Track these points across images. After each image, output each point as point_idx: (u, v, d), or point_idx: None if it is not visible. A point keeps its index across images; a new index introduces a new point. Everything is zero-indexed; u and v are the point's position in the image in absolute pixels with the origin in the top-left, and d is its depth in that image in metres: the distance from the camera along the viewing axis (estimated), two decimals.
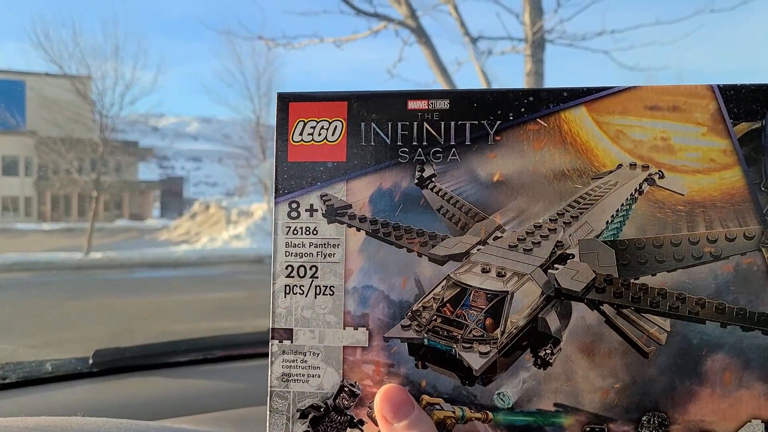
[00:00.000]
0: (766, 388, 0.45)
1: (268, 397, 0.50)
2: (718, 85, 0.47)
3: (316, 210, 0.50)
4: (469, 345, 0.47)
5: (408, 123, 0.49)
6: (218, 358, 1.20)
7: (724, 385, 0.45)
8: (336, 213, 0.50)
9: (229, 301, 5.20)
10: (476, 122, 0.49)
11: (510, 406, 0.47)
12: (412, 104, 0.50)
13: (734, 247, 0.46)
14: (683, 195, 0.47)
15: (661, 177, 0.47)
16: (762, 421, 0.45)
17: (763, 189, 0.46)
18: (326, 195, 0.50)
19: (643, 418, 0.46)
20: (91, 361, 1.10)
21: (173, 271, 8.32)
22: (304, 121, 0.50)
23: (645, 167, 0.47)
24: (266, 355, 0.50)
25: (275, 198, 0.51)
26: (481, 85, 4.44)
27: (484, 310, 0.47)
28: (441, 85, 4.63)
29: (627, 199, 0.47)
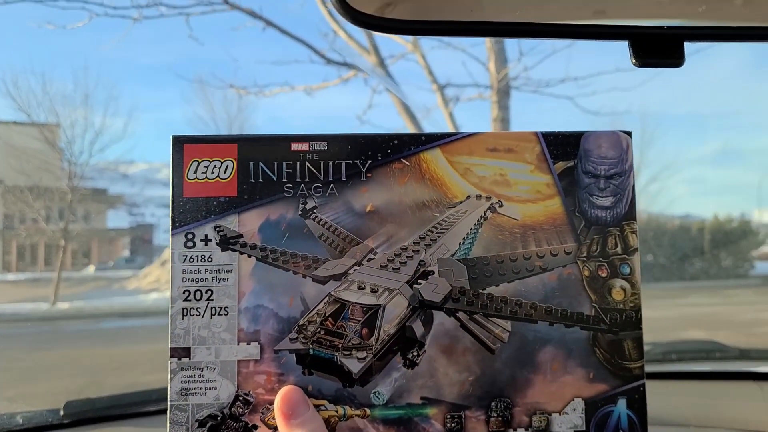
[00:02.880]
0: (585, 372, 0.56)
1: (168, 411, 0.54)
2: (541, 132, 0.58)
3: (210, 240, 0.56)
4: (349, 352, 0.54)
5: (292, 162, 0.56)
6: None
7: (553, 372, 0.55)
8: (228, 242, 0.56)
9: None
10: (350, 161, 0.57)
11: (384, 402, 0.55)
12: (295, 146, 0.57)
13: (557, 260, 0.57)
14: (518, 220, 0.57)
15: (501, 206, 0.57)
16: (582, 399, 0.55)
17: (577, 214, 0.57)
18: (219, 226, 0.56)
19: (492, 404, 0.55)
20: (62, 413, 1.08)
21: (143, 320, 8.16)
22: (198, 160, 0.56)
23: (488, 198, 0.57)
24: None
25: (172, 230, 0.56)
26: (449, 130, 4.55)
27: (360, 322, 0.55)
28: (410, 129, 4.74)
29: (474, 224, 0.57)
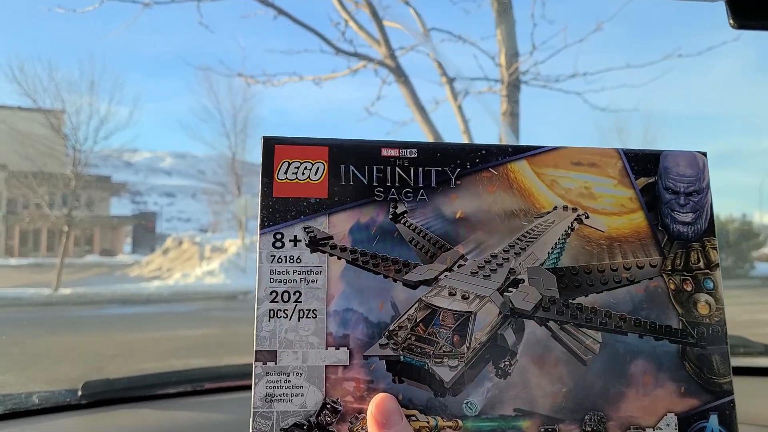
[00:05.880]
0: (676, 386, 0.55)
1: (251, 418, 0.51)
2: (623, 149, 0.60)
3: (300, 240, 0.55)
4: (440, 360, 0.53)
5: (382, 167, 0.57)
6: (208, 389, 1.19)
7: (645, 386, 0.55)
8: (318, 243, 0.55)
9: (201, 338, 5.08)
10: (440, 169, 0.57)
11: (477, 413, 0.53)
12: (386, 152, 0.57)
13: (643, 273, 0.57)
14: (604, 232, 0.58)
15: (587, 217, 0.58)
16: (675, 414, 0.55)
17: (660, 228, 0.58)
18: (309, 227, 0.55)
19: (586, 417, 0.54)
20: (80, 393, 1.06)
21: (145, 307, 8.14)
22: (288, 161, 0.56)
23: (574, 209, 0.58)
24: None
25: (260, 230, 0.55)
26: (458, 124, 4.52)
27: (452, 329, 0.54)
28: (418, 123, 4.70)
29: (562, 234, 0.57)
